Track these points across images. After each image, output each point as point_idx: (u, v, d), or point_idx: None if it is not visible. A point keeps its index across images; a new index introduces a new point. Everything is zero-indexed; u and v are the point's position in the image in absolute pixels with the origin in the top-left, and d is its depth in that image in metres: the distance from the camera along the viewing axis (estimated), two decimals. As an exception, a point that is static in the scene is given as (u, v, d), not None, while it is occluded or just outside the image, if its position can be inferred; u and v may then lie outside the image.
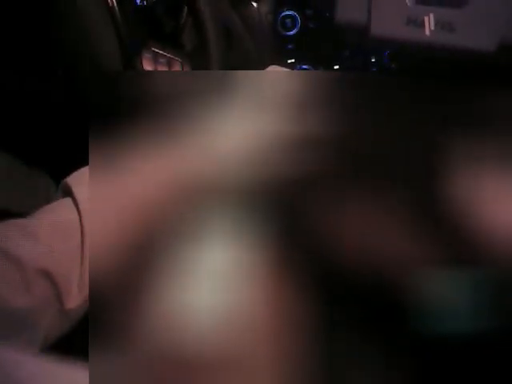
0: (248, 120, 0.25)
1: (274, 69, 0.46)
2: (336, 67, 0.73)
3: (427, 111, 0.24)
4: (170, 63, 0.55)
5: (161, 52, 0.55)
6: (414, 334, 0.23)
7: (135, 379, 0.23)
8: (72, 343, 0.36)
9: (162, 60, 0.54)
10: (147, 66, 0.52)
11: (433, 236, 0.23)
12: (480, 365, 0.23)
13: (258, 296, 0.23)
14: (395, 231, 0.23)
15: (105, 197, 0.25)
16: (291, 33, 0.73)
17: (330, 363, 0.23)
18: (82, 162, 0.41)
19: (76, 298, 0.35)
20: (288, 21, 0.73)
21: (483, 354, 0.23)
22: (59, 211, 0.37)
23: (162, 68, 0.54)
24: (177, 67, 0.55)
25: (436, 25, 0.53)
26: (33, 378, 0.18)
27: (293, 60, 0.74)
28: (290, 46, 0.74)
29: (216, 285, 0.24)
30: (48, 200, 0.39)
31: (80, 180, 0.39)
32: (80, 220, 0.36)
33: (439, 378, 0.23)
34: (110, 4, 0.51)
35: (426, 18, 0.53)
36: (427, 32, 0.53)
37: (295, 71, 0.23)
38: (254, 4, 0.76)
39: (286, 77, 0.26)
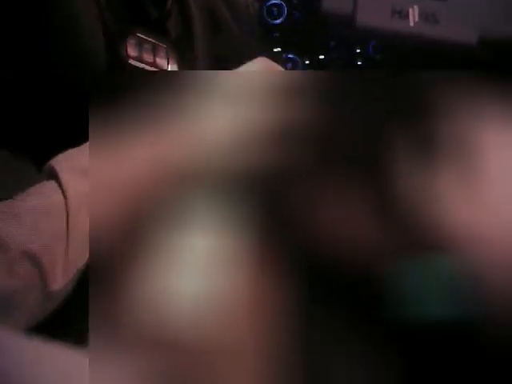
0: (232, 110, 0.26)
1: (262, 61, 0.46)
2: (321, 57, 0.74)
3: (386, 104, 0.25)
4: (155, 49, 0.54)
5: (146, 38, 0.55)
6: (390, 322, 0.23)
7: (126, 356, 0.23)
8: (54, 324, 0.37)
9: (146, 46, 0.54)
10: (132, 52, 0.52)
11: (398, 227, 0.24)
12: (455, 351, 0.23)
13: (239, 282, 0.24)
14: (368, 220, 0.24)
15: (104, 169, 0.25)
16: (277, 21, 0.73)
17: (310, 349, 0.24)
18: (65, 146, 0.41)
19: (60, 280, 0.35)
20: (274, 9, 0.73)
21: (458, 341, 0.23)
22: (44, 193, 0.37)
23: (147, 54, 0.54)
24: (162, 53, 0.55)
25: (420, 16, 0.54)
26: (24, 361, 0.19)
27: (279, 49, 0.75)
28: (275, 35, 0.74)
29: (199, 270, 0.24)
30: (31, 184, 0.39)
31: (65, 162, 0.38)
32: (66, 202, 0.36)
33: (417, 365, 0.24)
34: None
35: (411, 10, 0.54)
36: (411, 23, 0.54)
37: (283, 71, 0.24)
38: (241, -8, 0.76)
39: (271, 77, 0.27)
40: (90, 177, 0.26)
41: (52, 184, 0.37)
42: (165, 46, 0.54)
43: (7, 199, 0.36)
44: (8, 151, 0.63)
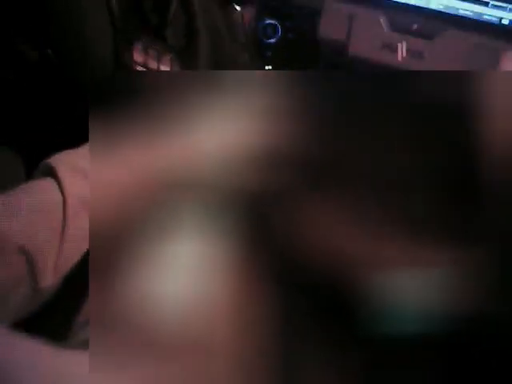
0: (229, 126, 0.26)
1: None
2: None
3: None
4: (159, 56, 0.57)
5: (151, 44, 0.57)
6: (362, 333, 0.24)
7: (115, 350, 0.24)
8: (42, 319, 0.37)
9: (152, 52, 0.56)
10: (138, 57, 0.55)
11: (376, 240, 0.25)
12: (425, 364, 0.24)
13: (221, 287, 0.24)
14: (348, 233, 0.25)
15: (104, 169, 0.26)
16: (271, 41, 0.77)
17: (287, 356, 0.24)
18: (59, 143, 0.42)
19: (50, 277, 0.36)
20: (269, 29, 0.76)
21: (428, 354, 0.24)
22: (42, 191, 0.37)
23: (152, 60, 0.56)
24: (166, 61, 0.57)
25: (407, 52, 0.58)
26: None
27: (270, 67, 0.78)
28: (268, 53, 0.78)
29: (183, 274, 0.24)
30: (18, 179, 0.39)
31: (64, 162, 0.39)
32: (64, 201, 0.37)
33: (386, 376, 0.24)
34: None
35: (400, 45, 0.58)
36: (399, 58, 0.58)
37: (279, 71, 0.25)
38: (238, 8, 0.79)
39: (272, 78, 0.27)
40: (90, 178, 0.26)
41: (50, 182, 0.37)
42: (169, 55, 0.57)
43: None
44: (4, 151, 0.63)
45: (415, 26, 0.59)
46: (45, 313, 0.38)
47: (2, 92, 0.56)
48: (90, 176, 0.26)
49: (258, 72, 0.27)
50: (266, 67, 0.77)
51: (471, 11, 0.59)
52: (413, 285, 0.24)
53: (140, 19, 0.61)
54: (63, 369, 0.20)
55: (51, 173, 0.38)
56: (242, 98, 0.27)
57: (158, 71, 0.54)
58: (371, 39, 0.59)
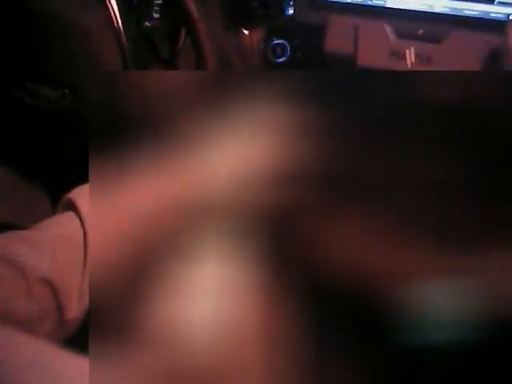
0: (241, 143, 0.26)
1: None
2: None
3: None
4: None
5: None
6: (392, 344, 0.24)
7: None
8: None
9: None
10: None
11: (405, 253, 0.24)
12: (455, 373, 0.24)
13: (249, 310, 0.24)
14: (368, 247, 0.24)
15: (105, 210, 0.26)
16: (280, 60, 0.78)
17: (319, 375, 0.24)
18: (80, 178, 0.43)
19: (75, 309, 0.36)
20: (278, 49, 0.77)
21: (462, 365, 0.24)
22: (63, 224, 0.38)
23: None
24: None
25: (416, 58, 0.58)
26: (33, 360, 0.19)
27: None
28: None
29: (209, 299, 0.24)
30: (44, 213, 0.41)
31: (83, 195, 0.40)
32: (84, 233, 0.37)
33: None
34: (117, 28, 0.54)
35: (407, 52, 0.58)
36: (408, 64, 0.58)
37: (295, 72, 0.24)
38: (246, 32, 0.80)
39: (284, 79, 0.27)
40: (91, 214, 0.26)
41: (71, 215, 0.38)
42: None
43: (20, 226, 0.38)
44: (23, 180, 0.66)
45: (421, 31, 0.59)
46: (69, 345, 0.38)
47: (26, 129, 0.58)
48: (90, 210, 0.26)
49: (265, 76, 0.27)
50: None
51: (477, 10, 0.59)
52: (442, 294, 0.24)
53: (150, 50, 0.63)
54: (64, 369, 0.20)
55: (72, 207, 0.39)
56: (253, 112, 0.26)
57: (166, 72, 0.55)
58: (378, 48, 0.59)
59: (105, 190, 0.26)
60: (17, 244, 0.35)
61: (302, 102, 0.26)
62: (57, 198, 0.41)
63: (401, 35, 0.59)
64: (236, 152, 0.26)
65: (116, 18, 0.54)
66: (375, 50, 0.60)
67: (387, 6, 0.61)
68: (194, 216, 0.25)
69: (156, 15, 0.65)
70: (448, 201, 0.25)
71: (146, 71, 0.54)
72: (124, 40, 0.54)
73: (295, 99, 0.26)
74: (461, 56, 0.56)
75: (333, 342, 0.24)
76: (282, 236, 0.25)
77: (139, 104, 0.27)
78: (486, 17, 0.59)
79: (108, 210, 0.26)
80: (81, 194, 0.40)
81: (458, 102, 0.26)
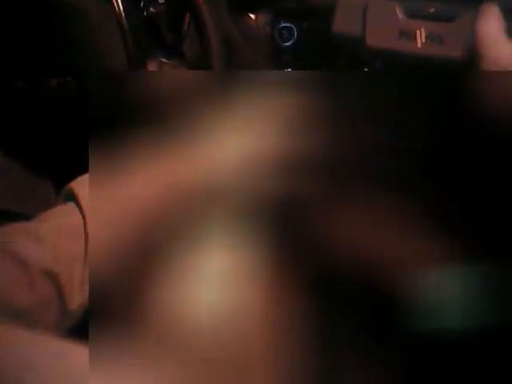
0: (247, 131, 0.26)
1: None
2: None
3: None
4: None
5: (165, 61, 0.58)
6: (404, 332, 0.24)
7: (135, 370, 0.24)
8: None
9: (167, 68, 0.56)
10: (153, 74, 0.55)
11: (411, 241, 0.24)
12: (468, 363, 0.24)
13: (254, 296, 0.24)
14: (373, 235, 0.25)
15: (105, 200, 0.26)
16: (288, 44, 0.76)
17: (323, 362, 0.24)
18: (83, 166, 0.42)
19: (77, 299, 0.36)
20: (285, 32, 0.76)
21: (470, 351, 0.24)
22: (64, 215, 0.38)
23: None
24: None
25: (426, 38, 0.56)
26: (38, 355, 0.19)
27: (289, 69, 0.77)
28: (286, 57, 0.77)
29: (215, 285, 0.24)
30: (47, 201, 0.40)
31: (84, 185, 0.40)
32: (84, 224, 0.37)
33: (429, 375, 0.24)
34: (119, 16, 0.54)
35: (418, 32, 0.56)
36: (419, 44, 0.56)
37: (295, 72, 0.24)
38: (252, 16, 0.79)
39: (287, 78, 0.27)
40: (91, 204, 0.26)
41: (72, 206, 0.38)
42: (183, 69, 0.57)
43: (24, 214, 0.38)
44: (26, 167, 0.65)
45: (432, 10, 0.57)
46: (72, 335, 0.38)
47: (28, 118, 0.58)
48: (90, 209, 0.26)
49: (274, 72, 0.27)
50: (285, 70, 0.76)
51: (490, -13, 0.57)
52: (450, 281, 0.24)
53: (155, 37, 0.62)
54: (67, 361, 0.20)
55: (73, 197, 0.39)
56: (260, 100, 0.26)
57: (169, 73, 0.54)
58: (388, 28, 0.58)
59: (104, 180, 0.26)
60: (18, 236, 0.36)
61: (306, 92, 0.26)
62: (61, 186, 0.42)
63: (411, 14, 0.57)
64: (240, 139, 0.26)
65: (118, 4, 0.53)
66: (384, 30, 0.58)
67: (396, -16, 0.59)
68: (198, 203, 0.25)
69: (161, 0, 0.64)
70: (450, 187, 0.25)
71: (146, 71, 0.53)
72: (126, 26, 0.53)
73: (299, 90, 0.26)
74: (471, 35, 0.54)
75: (339, 328, 0.24)
76: (289, 223, 0.25)
77: (140, 98, 0.27)
78: (499, -7, 0.57)
79: (108, 199, 0.26)
80: (82, 184, 0.40)
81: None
